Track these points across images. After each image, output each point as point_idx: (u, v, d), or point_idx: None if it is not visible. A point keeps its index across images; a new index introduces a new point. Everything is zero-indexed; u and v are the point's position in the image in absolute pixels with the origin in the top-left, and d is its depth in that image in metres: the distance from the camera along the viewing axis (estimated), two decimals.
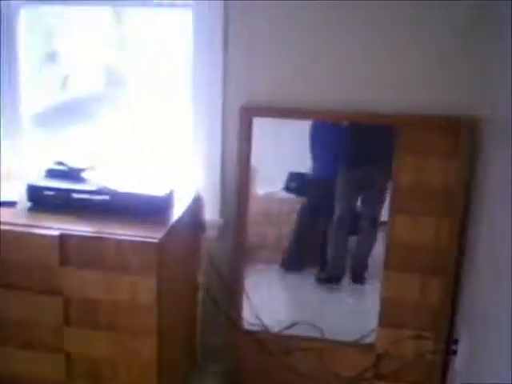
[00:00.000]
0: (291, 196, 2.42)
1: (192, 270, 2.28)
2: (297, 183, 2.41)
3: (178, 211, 2.04)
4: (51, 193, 2.03)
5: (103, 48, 2.45)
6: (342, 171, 2.36)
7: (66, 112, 2.57)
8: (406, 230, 2.14)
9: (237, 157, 2.24)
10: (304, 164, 2.38)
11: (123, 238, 1.83)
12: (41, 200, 2.04)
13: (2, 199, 2.06)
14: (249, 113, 2.19)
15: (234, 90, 2.22)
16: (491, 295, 1.72)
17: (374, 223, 2.39)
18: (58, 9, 2.41)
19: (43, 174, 2.13)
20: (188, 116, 2.29)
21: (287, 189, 2.42)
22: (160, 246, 1.81)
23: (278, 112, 2.18)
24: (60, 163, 2.17)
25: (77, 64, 2.51)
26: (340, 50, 2.13)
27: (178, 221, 1.99)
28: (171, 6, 2.31)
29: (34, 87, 2.47)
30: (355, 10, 2.07)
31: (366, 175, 2.37)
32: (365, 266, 2.45)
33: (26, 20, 2.38)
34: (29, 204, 2.04)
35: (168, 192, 2.04)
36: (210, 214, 2.32)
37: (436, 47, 2.06)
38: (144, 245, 1.81)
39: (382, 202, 2.31)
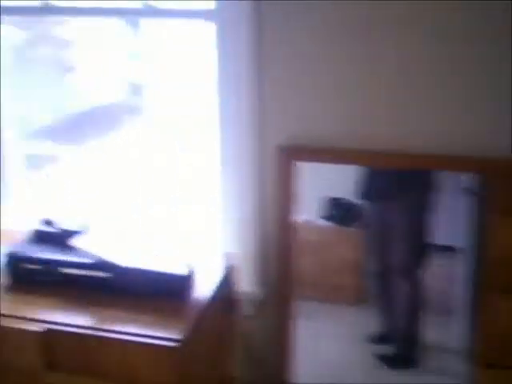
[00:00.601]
0: (331, 225, 1.99)
1: (223, 363, 1.73)
2: (337, 211, 1.98)
3: (203, 291, 1.52)
4: (34, 266, 1.55)
5: (119, 59, 2.12)
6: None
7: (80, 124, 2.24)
8: (507, 314, 1.59)
9: (278, 211, 1.72)
10: (344, 189, 1.93)
11: (129, 337, 1.34)
12: (22, 275, 1.57)
13: None
14: (290, 156, 1.67)
15: (270, 129, 1.72)
16: None
17: (406, 275, 1.86)
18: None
19: (29, 235, 1.68)
20: (214, 161, 1.79)
21: (327, 217, 1.99)
22: (182, 351, 1.31)
23: (327, 156, 1.69)
24: (48, 222, 1.69)
25: (93, 76, 2.20)
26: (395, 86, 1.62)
27: (206, 307, 1.47)
28: (194, 16, 1.79)
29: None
30: (399, 48, 1.58)
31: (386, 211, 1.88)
32: (414, 341, 1.85)
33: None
34: (9, 279, 1.58)
35: (191, 267, 1.51)
36: (246, 284, 1.80)
37: None
38: (159, 350, 1.30)
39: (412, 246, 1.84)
